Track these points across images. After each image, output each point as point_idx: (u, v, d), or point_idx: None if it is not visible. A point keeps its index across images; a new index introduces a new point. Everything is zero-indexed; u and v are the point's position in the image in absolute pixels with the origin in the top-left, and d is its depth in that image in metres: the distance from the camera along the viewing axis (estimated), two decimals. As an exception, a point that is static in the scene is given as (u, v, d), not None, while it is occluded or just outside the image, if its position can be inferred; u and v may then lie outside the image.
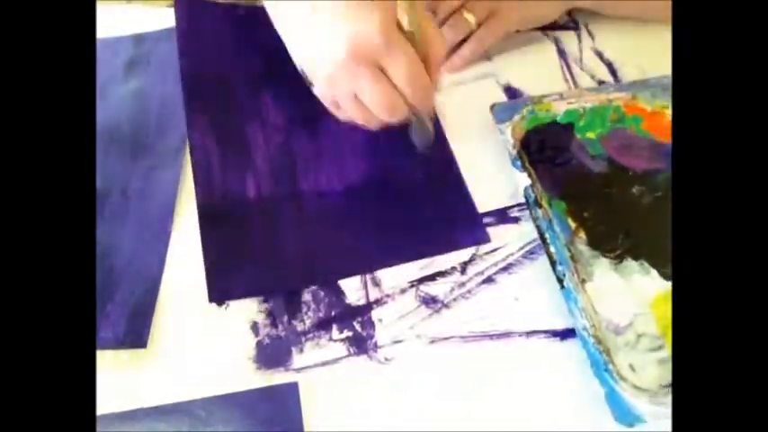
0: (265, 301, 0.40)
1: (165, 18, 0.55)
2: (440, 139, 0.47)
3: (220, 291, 0.40)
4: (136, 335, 0.38)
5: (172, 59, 0.52)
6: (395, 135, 0.44)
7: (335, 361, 0.38)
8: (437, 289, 0.40)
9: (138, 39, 0.54)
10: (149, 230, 0.43)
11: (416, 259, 0.41)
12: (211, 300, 0.39)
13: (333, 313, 0.39)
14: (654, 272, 0.40)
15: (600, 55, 0.53)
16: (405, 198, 0.44)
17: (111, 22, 0.54)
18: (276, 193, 0.44)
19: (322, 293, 0.40)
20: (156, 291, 0.40)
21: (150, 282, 0.40)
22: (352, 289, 0.40)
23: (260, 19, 0.53)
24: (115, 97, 0.50)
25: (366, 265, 0.41)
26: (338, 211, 0.44)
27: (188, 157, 0.46)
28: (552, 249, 0.39)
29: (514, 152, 0.43)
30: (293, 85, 0.47)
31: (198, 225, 0.43)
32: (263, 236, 0.42)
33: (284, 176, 0.45)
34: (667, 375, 0.36)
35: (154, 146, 0.47)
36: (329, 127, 0.46)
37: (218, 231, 0.42)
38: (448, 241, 0.42)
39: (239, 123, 0.48)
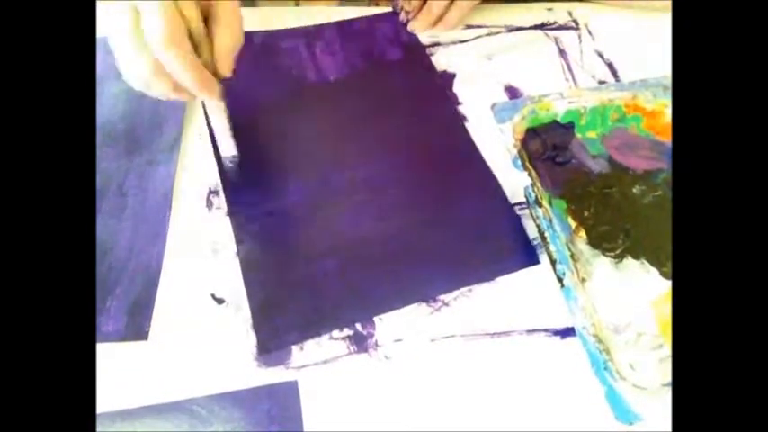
0: (266, 299, 0.40)
1: None
2: (482, 166, 0.46)
3: (269, 342, 0.38)
4: (137, 328, 0.38)
5: None
6: (435, 161, 0.45)
7: (336, 359, 0.38)
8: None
9: None
10: (147, 225, 0.43)
11: (469, 285, 0.40)
12: (261, 353, 0.38)
13: (333, 312, 0.39)
14: (654, 271, 0.40)
15: (600, 55, 0.53)
16: (447, 225, 0.43)
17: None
18: (315, 234, 0.43)
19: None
20: (156, 283, 0.40)
21: (150, 275, 0.41)
22: (353, 287, 0.40)
23: (279, 46, 0.54)
24: (108, 95, 0.51)
25: (417, 296, 0.40)
26: (380, 244, 0.42)
27: (182, 152, 0.47)
28: (552, 248, 0.39)
29: (515, 151, 0.43)
30: (320, 115, 0.48)
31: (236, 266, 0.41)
32: (305, 279, 0.41)
33: (322, 215, 0.44)
34: (667, 374, 0.36)
35: (149, 142, 0.48)
36: (364, 160, 0.46)
37: (262, 281, 0.40)
38: (499, 267, 0.41)
39: (272, 161, 0.47)
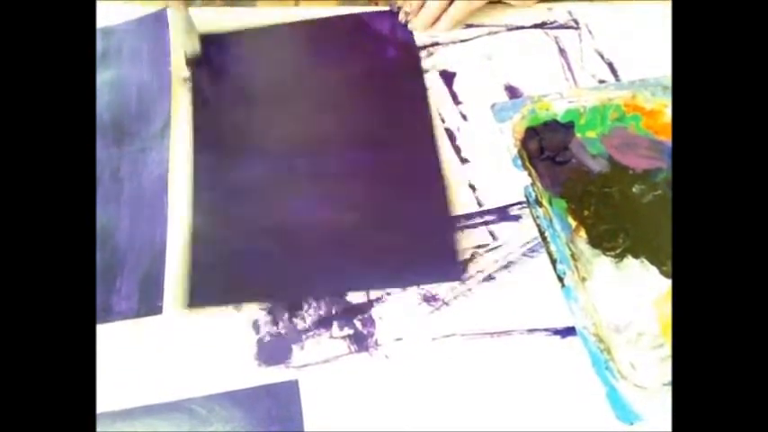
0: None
1: (129, 12, 0.56)
2: (436, 170, 0.46)
3: (193, 298, 0.40)
4: (150, 304, 0.40)
5: (143, 49, 0.54)
6: (392, 163, 0.46)
7: (336, 358, 0.38)
8: (438, 287, 0.40)
9: (107, 31, 0.55)
10: (146, 206, 0.44)
11: (392, 287, 0.41)
12: (190, 305, 0.39)
13: (333, 311, 0.40)
14: (654, 270, 0.40)
15: (600, 54, 0.53)
16: (391, 227, 0.43)
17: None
18: (264, 211, 0.44)
19: (322, 292, 0.40)
20: (163, 261, 0.41)
21: (155, 253, 0.42)
22: (353, 287, 0.40)
23: (270, 42, 0.54)
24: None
25: (343, 286, 0.41)
26: (329, 235, 0.43)
27: (173, 138, 0.47)
28: (553, 248, 0.39)
29: (515, 151, 0.44)
30: (296, 108, 0.48)
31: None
32: (243, 251, 0.42)
33: (275, 195, 0.45)
34: (668, 373, 0.36)
35: (138, 131, 0.48)
36: (329, 150, 0.47)
37: (204, 245, 0.42)
38: (431, 273, 0.41)
39: (242, 135, 0.48)
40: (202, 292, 0.40)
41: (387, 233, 0.43)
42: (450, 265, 0.41)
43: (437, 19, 0.55)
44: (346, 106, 0.51)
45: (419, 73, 0.52)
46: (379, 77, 0.52)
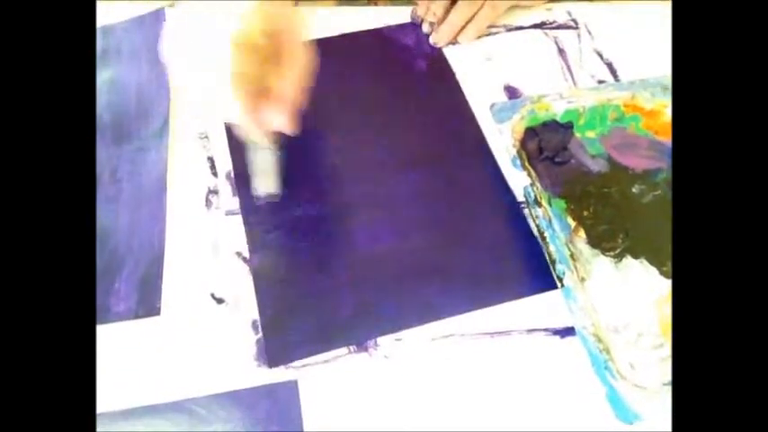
0: (265, 299, 0.40)
1: (129, 11, 0.56)
2: (504, 188, 0.45)
3: (279, 357, 0.38)
4: (148, 305, 0.40)
5: (142, 48, 0.54)
6: (452, 179, 0.45)
7: (336, 359, 0.38)
8: (437, 287, 0.40)
9: (106, 30, 0.55)
10: (145, 207, 0.44)
11: (484, 307, 0.39)
12: (271, 367, 0.37)
13: (333, 311, 0.39)
14: (654, 270, 0.40)
15: (599, 54, 0.53)
16: (465, 245, 0.42)
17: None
18: (330, 247, 0.42)
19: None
20: (161, 261, 0.41)
21: (154, 253, 0.42)
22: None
23: None
24: None
25: (431, 315, 0.39)
26: (395, 261, 0.41)
27: (172, 138, 0.48)
28: (552, 248, 0.39)
29: (514, 151, 0.44)
30: (338, 133, 0.48)
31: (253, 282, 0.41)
32: (318, 294, 0.40)
33: (337, 228, 0.43)
34: (667, 373, 0.36)
35: (137, 131, 0.48)
36: (383, 174, 0.46)
37: (274, 293, 0.40)
38: (514, 289, 0.40)
39: (288, 171, 0.45)
40: (283, 349, 0.38)
41: (467, 251, 0.42)
42: (542, 275, 0.40)
43: (459, 31, 0.54)
44: (389, 126, 0.49)
45: (455, 83, 0.51)
46: (414, 92, 0.51)
